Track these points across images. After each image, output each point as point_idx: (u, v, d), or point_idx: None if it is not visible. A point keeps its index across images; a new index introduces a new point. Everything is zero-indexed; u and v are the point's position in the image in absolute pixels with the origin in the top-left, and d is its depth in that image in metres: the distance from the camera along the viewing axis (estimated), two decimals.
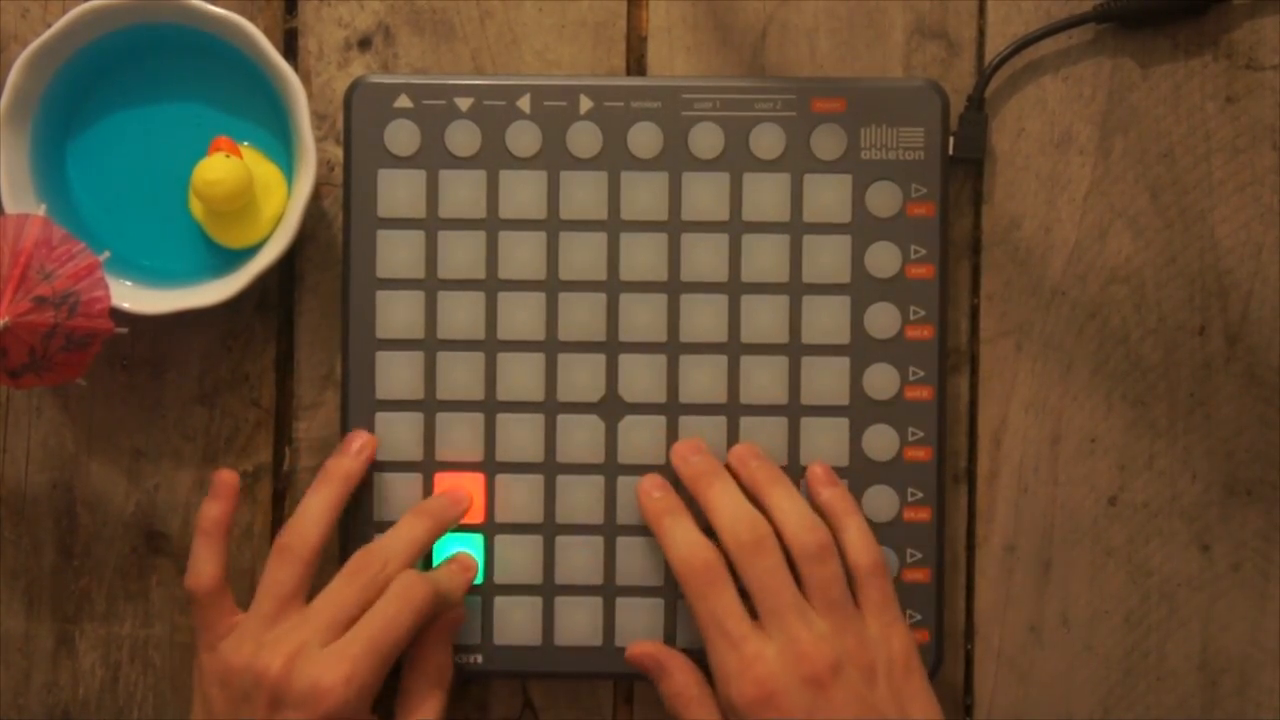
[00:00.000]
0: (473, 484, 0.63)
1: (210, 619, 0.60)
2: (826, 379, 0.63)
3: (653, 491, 0.63)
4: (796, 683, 0.58)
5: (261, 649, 0.58)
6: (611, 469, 0.63)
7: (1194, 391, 0.65)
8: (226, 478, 0.62)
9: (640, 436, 0.63)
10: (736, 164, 0.63)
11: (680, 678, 0.61)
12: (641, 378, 0.63)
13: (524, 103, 0.63)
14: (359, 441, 0.62)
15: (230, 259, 0.63)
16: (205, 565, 0.60)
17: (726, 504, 0.61)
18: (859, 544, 0.61)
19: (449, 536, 0.63)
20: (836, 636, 0.59)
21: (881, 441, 0.63)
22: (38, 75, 0.62)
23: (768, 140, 0.63)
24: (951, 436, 0.65)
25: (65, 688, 0.66)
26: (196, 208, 0.63)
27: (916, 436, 0.63)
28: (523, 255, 0.63)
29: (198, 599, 0.60)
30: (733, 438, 0.63)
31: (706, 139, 0.63)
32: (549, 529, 0.63)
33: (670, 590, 0.63)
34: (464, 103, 0.63)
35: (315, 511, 0.60)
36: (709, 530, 0.61)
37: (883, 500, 0.63)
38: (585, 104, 0.63)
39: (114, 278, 0.61)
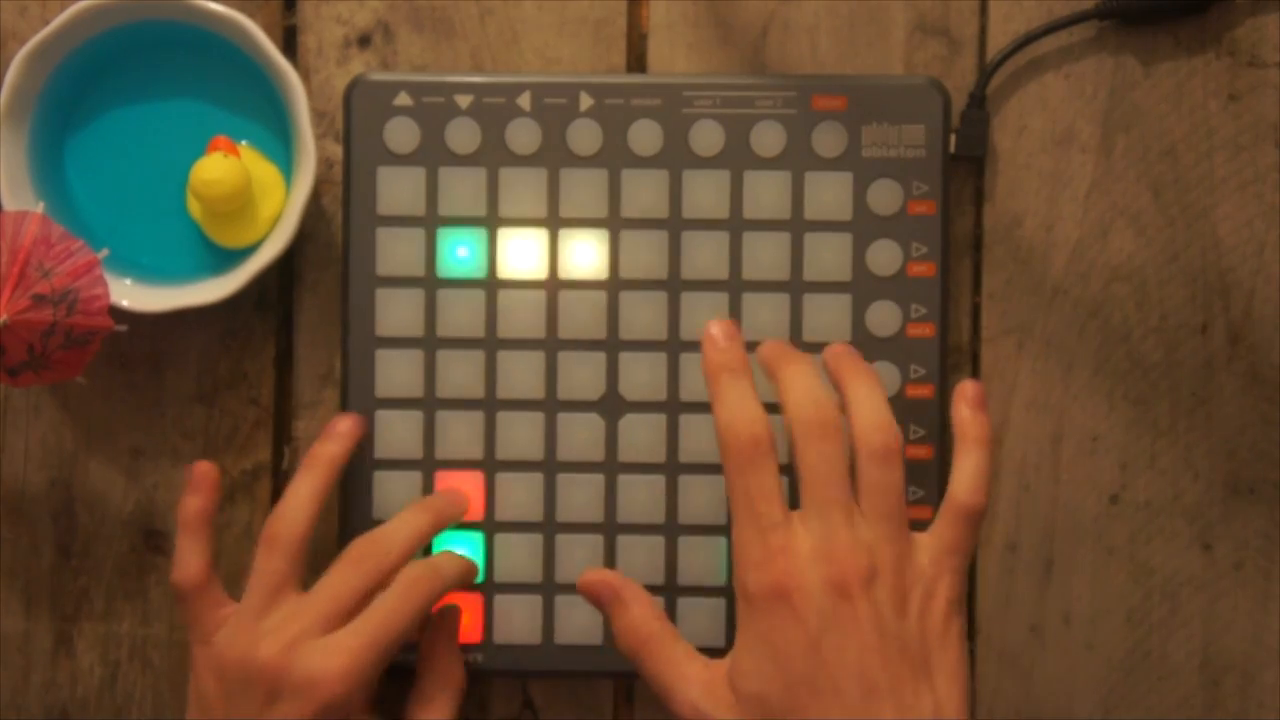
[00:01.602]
0: (472, 482, 0.63)
1: (200, 612, 0.59)
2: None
3: (720, 340, 0.56)
4: (820, 584, 0.52)
5: (258, 640, 0.57)
6: (611, 467, 0.63)
7: (1196, 390, 0.65)
8: (205, 469, 0.61)
9: (640, 435, 0.63)
10: (737, 162, 0.63)
11: (638, 610, 0.56)
12: (642, 376, 0.63)
13: (524, 100, 0.63)
14: (343, 425, 0.62)
15: (229, 257, 0.63)
16: (190, 559, 0.59)
17: (801, 382, 0.55)
18: (970, 477, 0.55)
19: (449, 536, 0.63)
20: (878, 548, 0.53)
21: None
22: (36, 73, 0.62)
23: (768, 138, 0.63)
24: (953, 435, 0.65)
25: (64, 687, 0.66)
26: (194, 207, 0.63)
27: (918, 435, 0.63)
28: (523, 253, 0.63)
29: (186, 593, 0.59)
30: None
31: (707, 136, 0.63)
32: (549, 527, 0.63)
33: (670, 589, 0.63)
34: (464, 100, 0.63)
35: (301, 498, 0.59)
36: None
37: None
38: (585, 101, 0.63)
39: (113, 275, 0.61)
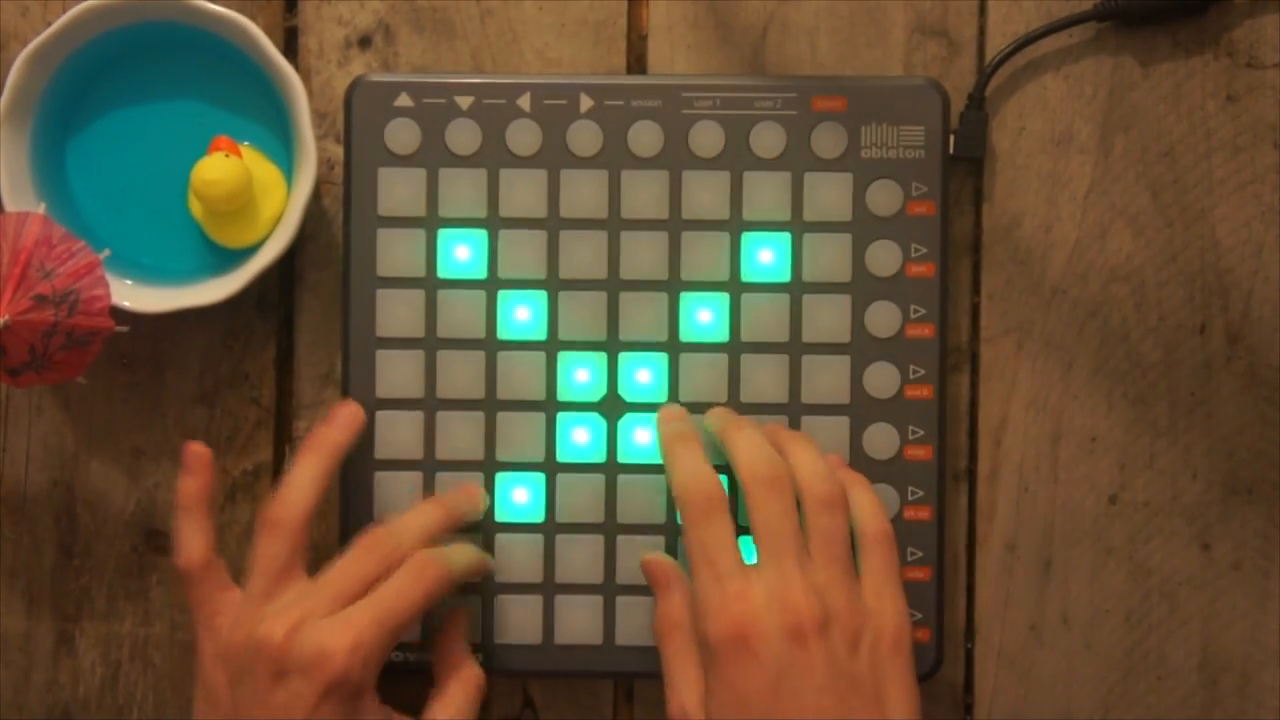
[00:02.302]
0: (473, 482, 0.63)
1: (204, 596, 0.59)
2: (827, 377, 0.63)
3: (670, 418, 0.62)
4: (776, 630, 0.55)
5: (263, 621, 0.56)
6: (612, 468, 0.63)
7: (1195, 390, 0.65)
8: (197, 449, 0.60)
9: (641, 435, 0.63)
10: (737, 162, 0.63)
11: (678, 600, 0.59)
12: (641, 376, 0.63)
13: (524, 101, 0.63)
14: (346, 411, 0.62)
15: (230, 257, 0.63)
16: (191, 541, 0.59)
17: (749, 445, 0.59)
18: (869, 509, 0.60)
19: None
20: (830, 592, 0.56)
21: (882, 440, 0.63)
22: (37, 74, 0.62)
23: (768, 139, 0.63)
24: (952, 435, 0.65)
25: (65, 686, 0.66)
26: (195, 207, 0.63)
27: (917, 435, 0.63)
28: (523, 254, 0.63)
29: (189, 577, 0.59)
30: None
31: (707, 137, 0.63)
32: (549, 528, 0.63)
33: None
34: (464, 101, 0.63)
35: (302, 482, 0.59)
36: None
37: (883, 498, 0.63)
38: (585, 103, 0.63)
39: (114, 276, 0.61)
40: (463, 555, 0.61)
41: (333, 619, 0.56)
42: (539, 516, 0.63)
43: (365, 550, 0.59)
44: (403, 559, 0.59)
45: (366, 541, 0.59)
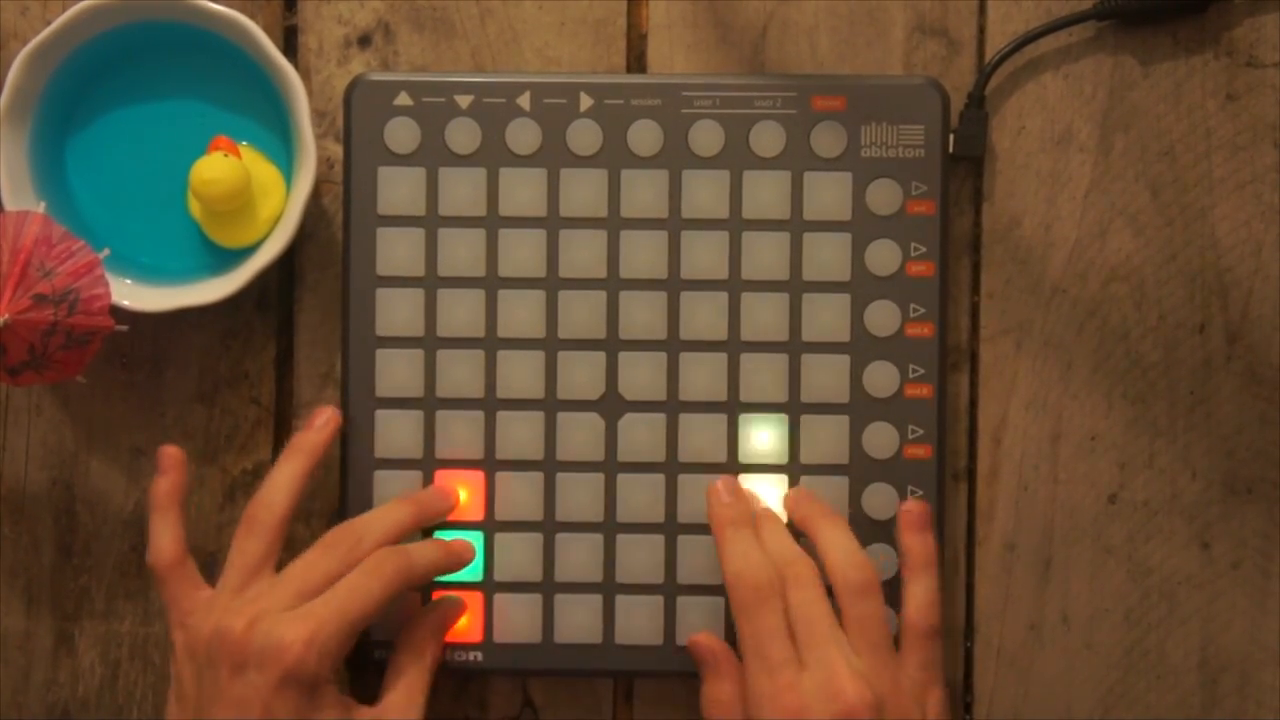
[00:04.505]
0: (473, 482, 0.63)
1: (176, 593, 0.59)
2: (826, 376, 0.63)
3: (724, 495, 0.62)
4: (829, 718, 0.56)
5: (225, 614, 0.57)
6: (611, 466, 0.63)
7: (1194, 390, 0.65)
8: (170, 451, 0.61)
9: (640, 434, 0.63)
10: (736, 161, 0.63)
11: (729, 686, 0.60)
12: (641, 375, 0.63)
13: (524, 100, 0.63)
14: (323, 416, 0.62)
15: (230, 257, 0.63)
16: (163, 539, 0.60)
17: (776, 539, 0.60)
18: (923, 603, 0.60)
19: (448, 535, 0.63)
20: (876, 676, 0.57)
21: (881, 439, 0.63)
22: (37, 73, 0.62)
23: (768, 138, 0.63)
24: (951, 434, 0.65)
25: (65, 685, 0.66)
26: (194, 207, 0.63)
27: (916, 434, 0.63)
28: (523, 253, 0.63)
29: (161, 573, 0.60)
30: (733, 436, 0.63)
31: (706, 136, 0.63)
32: (549, 526, 0.63)
33: (669, 588, 0.63)
34: (464, 100, 0.63)
35: (280, 482, 0.60)
36: None
37: (882, 498, 0.63)
38: (585, 101, 0.63)
39: (114, 275, 0.61)
40: (426, 552, 0.61)
41: (291, 613, 0.57)
42: (538, 515, 0.63)
43: (328, 546, 0.59)
44: (364, 555, 0.59)
45: (329, 539, 0.60)
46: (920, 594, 0.60)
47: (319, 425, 0.62)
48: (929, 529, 0.61)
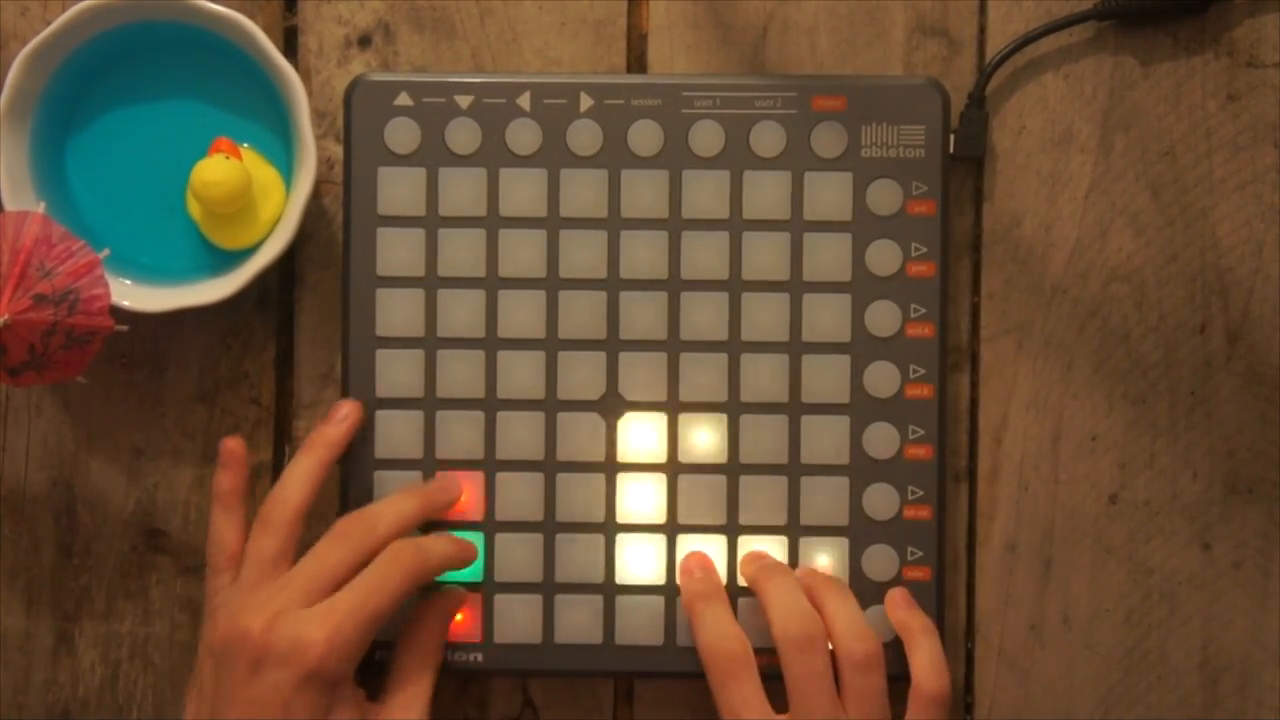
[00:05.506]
0: (473, 482, 0.63)
1: (218, 585, 0.60)
2: (827, 377, 0.63)
3: (694, 570, 0.62)
4: None
5: (243, 612, 0.57)
6: (611, 467, 0.63)
7: (1195, 390, 0.65)
8: (232, 445, 0.62)
9: (640, 434, 0.63)
10: (737, 162, 0.63)
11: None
12: (642, 376, 0.63)
13: (524, 100, 0.63)
14: (343, 410, 0.62)
15: (230, 257, 0.63)
16: (225, 535, 0.61)
17: (783, 597, 0.60)
18: (929, 668, 0.60)
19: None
20: None
21: (882, 439, 0.63)
22: (37, 73, 0.62)
23: (768, 138, 0.63)
24: (952, 435, 0.65)
25: (65, 686, 0.66)
26: (194, 208, 0.63)
27: (917, 435, 0.63)
28: (523, 253, 0.63)
29: (221, 567, 0.60)
30: (733, 436, 0.63)
31: (707, 137, 0.63)
32: (549, 527, 0.63)
33: (670, 588, 0.63)
34: (464, 100, 0.63)
35: (297, 477, 0.60)
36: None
37: (883, 498, 0.63)
38: (585, 102, 0.63)
39: (114, 275, 0.61)
40: (440, 545, 0.61)
41: (311, 610, 0.56)
42: (538, 515, 0.63)
43: (338, 539, 0.59)
44: (377, 546, 0.59)
45: (340, 530, 0.59)
46: (924, 657, 0.60)
47: (339, 419, 0.62)
48: (915, 605, 0.62)
